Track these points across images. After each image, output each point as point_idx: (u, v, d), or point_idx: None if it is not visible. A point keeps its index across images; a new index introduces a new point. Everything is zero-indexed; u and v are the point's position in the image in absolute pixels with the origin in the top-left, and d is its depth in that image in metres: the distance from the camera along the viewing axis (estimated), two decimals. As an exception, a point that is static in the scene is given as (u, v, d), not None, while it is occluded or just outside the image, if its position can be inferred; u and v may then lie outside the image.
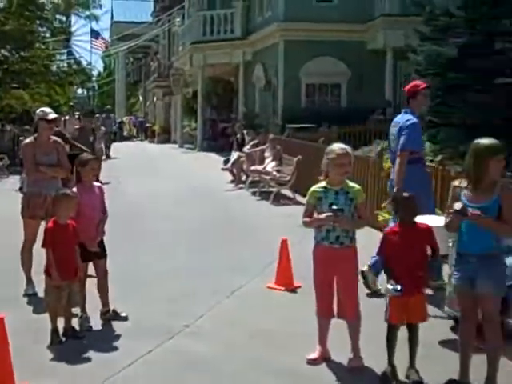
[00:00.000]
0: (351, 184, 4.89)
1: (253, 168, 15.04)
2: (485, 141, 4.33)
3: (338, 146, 4.89)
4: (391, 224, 5.70)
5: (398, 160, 6.57)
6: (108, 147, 23.48)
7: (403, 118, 6.67)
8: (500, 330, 4.42)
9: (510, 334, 5.10)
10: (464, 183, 4.39)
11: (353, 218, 4.82)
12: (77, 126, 14.20)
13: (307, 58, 21.95)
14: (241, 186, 15.63)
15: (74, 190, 5.79)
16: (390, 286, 4.52)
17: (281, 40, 22.23)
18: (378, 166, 10.59)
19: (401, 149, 6.52)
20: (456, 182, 4.49)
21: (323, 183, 4.89)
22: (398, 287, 4.48)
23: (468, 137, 4.50)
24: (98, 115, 26.26)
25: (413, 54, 15.28)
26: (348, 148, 4.90)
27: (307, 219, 4.91)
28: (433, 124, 14.36)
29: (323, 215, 4.76)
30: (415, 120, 6.62)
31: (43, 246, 5.52)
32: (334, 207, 4.71)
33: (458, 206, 4.24)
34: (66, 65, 41.22)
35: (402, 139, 6.52)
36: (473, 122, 12.59)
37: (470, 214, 4.24)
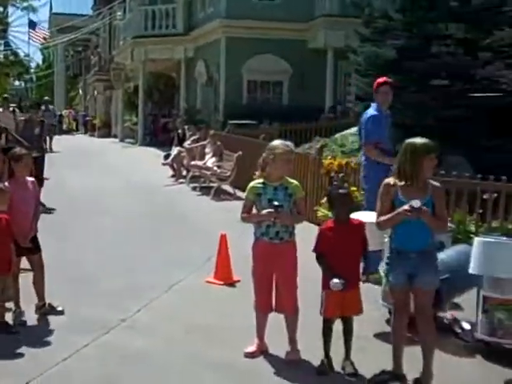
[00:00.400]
0: (290, 180, 4.94)
1: (193, 163, 15.01)
2: (418, 140, 4.45)
3: (282, 143, 4.94)
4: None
5: (363, 153, 6.94)
6: (50, 140, 23.06)
7: (365, 113, 7.04)
8: (433, 323, 4.55)
9: (442, 327, 5.28)
10: (398, 182, 4.48)
11: (292, 213, 4.88)
12: (22, 118, 13.92)
13: (249, 55, 22.01)
14: (181, 181, 15.58)
15: (6, 184, 5.68)
16: (336, 281, 4.57)
17: (223, 36, 22.23)
18: (317, 163, 10.72)
19: (364, 142, 6.91)
20: (390, 181, 4.54)
21: (261, 179, 4.92)
22: (342, 281, 4.55)
23: (405, 136, 4.62)
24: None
25: (353, 54, 15.52)
26: (291, 145, 4.97)
27: (246, 215, 4.94)
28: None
29: (264, 211, 4.79)
30: (374, 113, 6.93)
31: None
32: (275, 203, 4.74)
33: (416, 203, 4.29)
34: (1, 56, 40.23)
35: (363, 133, 6.91)
36: (409, 122, 12.88)
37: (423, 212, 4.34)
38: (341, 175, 9.96)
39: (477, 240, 5.17)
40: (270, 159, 4.85)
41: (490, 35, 13.16)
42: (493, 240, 5.12)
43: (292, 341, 4.96)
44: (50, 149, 22.57)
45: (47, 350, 5.04)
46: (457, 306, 5.86)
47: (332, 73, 21.59)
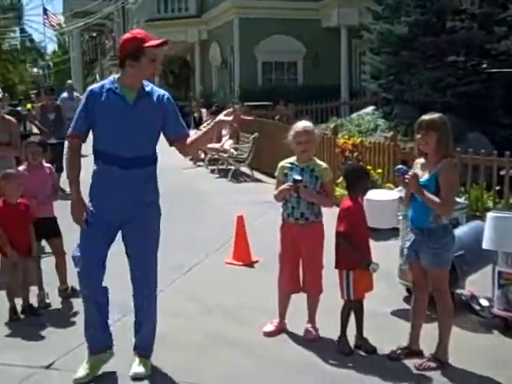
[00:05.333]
0: (318, 162, 4.95)
1: (210, 146, 15.06)
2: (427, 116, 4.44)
3: (297, 124, 4.95)
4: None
5: None
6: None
7: None
8: (450, 300, 4.54)
9: (460, 304, 5.32)
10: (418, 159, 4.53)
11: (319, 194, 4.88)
12: (39, 104, 13.94)
13: (263, 36, 21.96)
14: (199, 163, 15.67)
15: (21, 168, 5.82)
16: (376, 264, 4.59)
17: (236, 17, 22.18)
18: (332, 143, 10.74)
19: None
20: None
21: (292, 159, 4.95)
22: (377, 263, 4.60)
23: (422, 114, 4.58)
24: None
25: (366, 32, 15.43)
26: (308, 126, 4.92)
27: (275, 192, 4.99)
28: (387, 101, 14.59)
29: (284, 185, 4.84)
30: None
31: None
32: (295, 177, 4.76)
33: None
34: (17, 43, 40.45)
35: None
36: (425, 99, 12.83)
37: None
38: (355, 154, 9.98)
39: (489, 215, 5.17)
40: (289, 141, 4.89)
41: (505, 9, 13.06)
42: (505, 215, 5.12)
43: (311, 320, 5.03)
44: None
45: (71, 331, 5.14)
46: (475, 283, 5.89)
47: (346, 51, 21.50)
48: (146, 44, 4.09)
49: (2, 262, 5.56)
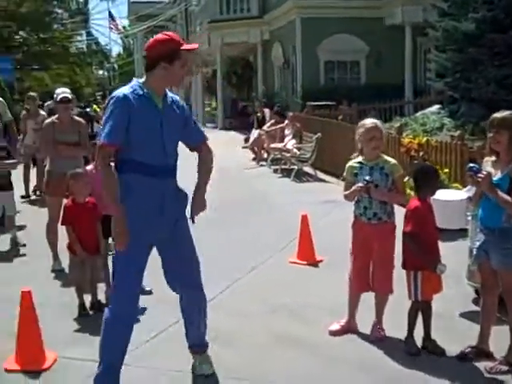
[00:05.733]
0: (387, 159, 4.88)
1: (273, 145, 15.11)
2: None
3: (365, 121, 4.89)
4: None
5: None
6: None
7: None
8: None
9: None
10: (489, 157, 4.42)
11: (390, 192, 4.83)
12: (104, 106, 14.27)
13: (325, 36, 21.84)
14: (262, 163, 15.72)
15: (89, 168, 5.95)
16: (444, 265, 4.52)
17: (297, 17, 22.12)
18: (397, 142, 10.61)
19: None
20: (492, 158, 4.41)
21: (359, 158, 4.90)
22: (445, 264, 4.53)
23: (489, 112, 4.44)
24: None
25: (431, 29, 15.18)
26: (377, 122, 4.88)
27: (346, 192, 4.94)
28: (453, 99, 14.31)
29: (354, 186, 4.79)
30: None
31: (62, 223, 5.75)
32: (366, 178, 4.71)
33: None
34: (84, 46, 41.39)
35: None
36: (492, 97, 12.53)
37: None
38: (421, 154, 9.82)
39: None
40: (358, 139, 4.85)
41: None
42: None
43: (378, 320, 4.98)
44: None
45: (138, 326, 5.20)
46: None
47: (410, 50, 21.17)
48: (184, 47, 3.92)
49: (70, 259, 5.71)
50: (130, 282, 3.98)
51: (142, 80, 3.98)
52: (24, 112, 12.24)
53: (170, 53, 3.85)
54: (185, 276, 4.22)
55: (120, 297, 3.98)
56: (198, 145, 4.28)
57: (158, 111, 3.91)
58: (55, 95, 7.13)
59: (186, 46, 3.96)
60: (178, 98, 4.14)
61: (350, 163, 4.95)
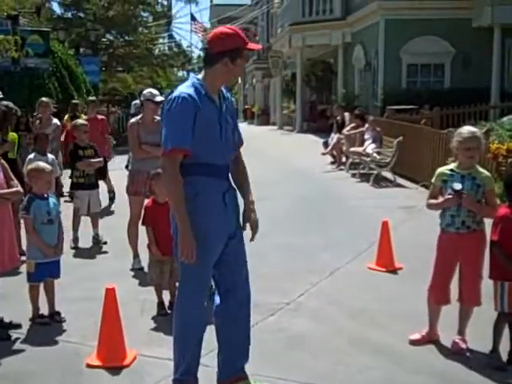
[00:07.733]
0: (480, 170, 4.73)
1: (352, 149, 14.93)
2: None
3: (463, 130, 4.74)
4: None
5: None
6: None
7: None
8: None
9: None
10: None
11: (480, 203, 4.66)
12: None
13: (409, 38, 21.45)
14: (341, 167, 15.58)
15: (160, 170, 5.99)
16: None
17: (382, 19, 21.80)
18: (484, 148, 10.27)
19: None
20: None
21: (452, 165, 4.76)
22: None
23: None
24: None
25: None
26: (476, 131, 4.73)
27: (432, 201, 4.81)
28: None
29: (446, 197, 4.65)
30: None
31: (143, 223, 5.81)
32: (456, 187, 4.56)
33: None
34: (167, 48, 42.14)
35: None
36: None
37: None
38: (510, 160, 9.48)
39: None
40: (455, 147, 4.70)
41: None
42: None
43: (462, 331, 4.81)
44: None
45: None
46: None
47: (499, 52, 20.47)
48: (249, 46, 3.73)
49: (150, 259, 5.78)
50: (200, 291, 3.94)
51: (201, 76, 3.79)
52: (38, 122, 10.76)
53: (235, 49, 3.66)
54: (236, 279, 4.03)
55: (190, 301, 3.92)
56: (239, 146, 4.04)
57: (217, 109, 3.75)
58: (143, 96, 7.16)
59: (250, 45, 3.81)
60: (228, 93, 3.94)
61: (441, 169, 4.81)
